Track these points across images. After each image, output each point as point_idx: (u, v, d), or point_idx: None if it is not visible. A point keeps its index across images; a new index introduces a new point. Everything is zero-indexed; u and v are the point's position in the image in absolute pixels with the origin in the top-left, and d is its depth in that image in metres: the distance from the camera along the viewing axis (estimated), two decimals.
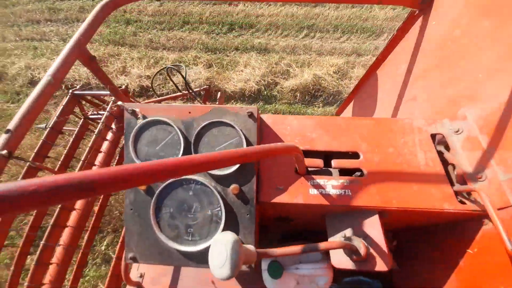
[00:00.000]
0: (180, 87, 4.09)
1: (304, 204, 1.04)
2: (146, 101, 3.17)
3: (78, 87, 2.14)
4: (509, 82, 1.00)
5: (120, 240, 1.89)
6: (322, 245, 0.92)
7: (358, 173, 1.11)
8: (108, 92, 1.88)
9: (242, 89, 4.52)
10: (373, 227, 1.00)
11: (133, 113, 1.11)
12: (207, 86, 3.22)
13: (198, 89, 3.10)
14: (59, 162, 1.74)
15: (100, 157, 1.70)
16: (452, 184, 1.02)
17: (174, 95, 2.97)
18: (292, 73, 4.72)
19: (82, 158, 1.66)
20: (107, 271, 2.03)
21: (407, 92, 1.76)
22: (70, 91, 2.08)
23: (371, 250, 0.96)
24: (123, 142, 1.13)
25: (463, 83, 1.27)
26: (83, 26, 1.29)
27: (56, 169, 1.76)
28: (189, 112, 1.11)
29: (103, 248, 3.10)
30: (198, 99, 2.46)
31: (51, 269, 1.45)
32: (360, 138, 1.14)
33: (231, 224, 1.04)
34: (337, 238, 1.04)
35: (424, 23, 1.60)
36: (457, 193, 1.00)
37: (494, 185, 0.96)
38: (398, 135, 1.13)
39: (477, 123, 1.09)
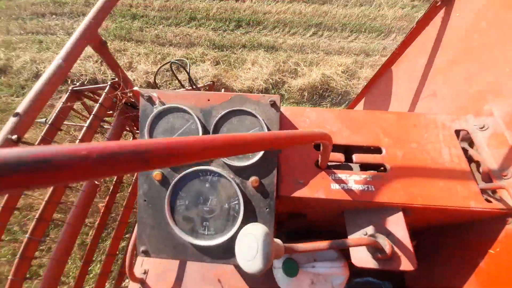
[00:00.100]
0: (185, 83, 4.03)
1: (325, 199, 1.00)
2: None
3: (78, 84, 2.11)
4: None
5: (112, 236, 1.82)
6: (350, 241, 0.87)
7: (380, 169, 1.07)
8: (106, 85, 1.83)
9: (250, 88, 4.46)
10: (397, 224, 0.96)
11: (150, 99, 1.05)
12: (211, 82, 3.16)
13: (202, 85, 3.05)
14: None
15: None
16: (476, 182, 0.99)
17: (178, 90, 2.92)
18: (300, 72, 4.65)
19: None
20: (112, 269, 1.97)
21: (425, 87, 1.70)
22: (70, 87, 2.04)
23: (396, 249, 0.92)
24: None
25: (489, 78, 1.22)
26: (94, 9, 1.23)
27: None
28: (208, 100, 1.05)
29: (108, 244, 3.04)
30: None
31: (50, 264, 1.40)
32: (382, 133, 1.10)
33: (249, 218, 0.99)
34: (357, 236, 1.00)
35: (447, 15, 1.54)
36: (482, 191, 0.97)
37: None
38: (422, 130, 1.09)
39: (504, 120, 1.06)
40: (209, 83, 3.09)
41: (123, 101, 2.17)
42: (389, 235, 0.94)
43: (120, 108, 1.99)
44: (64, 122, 1.82)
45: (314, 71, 4.61)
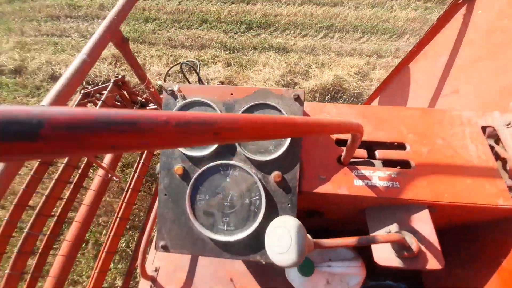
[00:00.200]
0: (196, 84, 4.05)
1: (348, 195, 0.98)
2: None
3: (90, 87, 2.13)
4: None
5: (112, 233, 1.81)
6: (380, 237, 0.84)
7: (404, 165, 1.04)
8: (109, 84, 1.85)
9: None
10: (423, 222, 0.93)
11: (172, 93, 1.04)
12: (220, 83, 3.16)
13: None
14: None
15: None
16: None
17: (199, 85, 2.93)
18: (312, 74, 4.62)
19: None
20: (126, 268, 1.96)
21: (447, 84, 1.68)
22: (82, 91, 2.07)
23: (422, 247, 0.90)
24: None
25: None
26: (117, 5, 1.25)
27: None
28: (231, 94, 1.04)
29: (123, 245, 3.05)
30: None
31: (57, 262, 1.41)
32: (405, 129, 1.08)
33: (270, 214, 0.97)
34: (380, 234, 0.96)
35: (468, 13, 1.51)
36: (509, 189, 0.95)
37: None
38: (447, 126, 1.07)
39: None
40: (218, 84, 3.09)
41: (138, 99, 2.19)
42: (414, 233, 0.92)
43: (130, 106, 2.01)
44: None
45: (326, 72, 4.58)
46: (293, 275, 1.18)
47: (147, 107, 2.59)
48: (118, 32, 1.26)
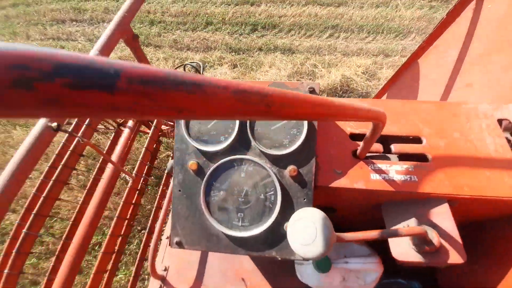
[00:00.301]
0: None
1: (365, 189, 0.96)
2: None
3: None
4: None
5: (109, 233, 1.79)
6: (403, 230, 0.81)
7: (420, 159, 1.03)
8: None
9: None
10: (443, 216, 0.91)
11: None
12: None
13: None
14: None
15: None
16: None
17: None
18: (318, 74, 4.59)
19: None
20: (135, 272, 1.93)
21: (459, 78, 1.66)
22: None
23: (443, 241, 0.87)
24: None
25: None
26: (127, 3, 1.23)
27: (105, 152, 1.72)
28: None
29: (133, 247, 3.03)
30: None
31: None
32: (420, 122, 1.06)
33: (286, 209, 0.95)
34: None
35: (479, 6, 1.51)
36: None
37: None
38: (463, 119, 1.06)
39: None
40: None
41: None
42: (434, 227, 0.89)
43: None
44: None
45: (333, 72, 4.55)
46: (308, 272, 1.15)
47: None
48: (129, 29, 1.25)
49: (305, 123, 0.97)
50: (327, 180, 0.99)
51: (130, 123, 2.40)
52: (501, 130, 1.04)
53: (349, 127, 1.09)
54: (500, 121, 1.06)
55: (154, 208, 2.42)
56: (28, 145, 1.08)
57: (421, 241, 0.88)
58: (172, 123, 2.93)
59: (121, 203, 1.88)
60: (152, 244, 1.28)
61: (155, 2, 5.81)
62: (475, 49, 1.55)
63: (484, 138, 1.02)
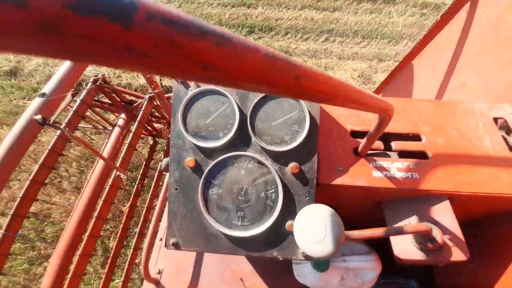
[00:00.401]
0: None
1: (367, 187, 0.94)
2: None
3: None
4: None
5: (88, 234, 1.74)
6: (408, 227, 0.80)
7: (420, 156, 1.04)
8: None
9: None
10: (444, 213, 0.91)
11: (184, 82, 0.98)
12: None
13: None
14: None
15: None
16: None
17: None
18: None
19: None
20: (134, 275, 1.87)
21: (453, 79, 1.69)
22: (97, 82, 2.02)
23: (446, 239, 0.87)
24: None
25: None
26: None
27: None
28: None
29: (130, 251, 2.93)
30: None
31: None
32: (420, 120, 1.07)
33: (288, 208, 0.92)
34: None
35: (473, 9, 1.54)
36: None
37: None
38: (461, 118, 1.08)
39: None
40: None
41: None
42: (436, 224, 0.89)
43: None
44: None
45: None
46: (306, 271, 1.12)
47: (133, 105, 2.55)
48: None
49: (307, 118, 0.93)
50: (328, 177, 0.97)
51: (121, 121, 2.34)
52: (497, 128, 1.06)
53: (350, 124, 1.07)
54: (495, 120, 1.08)
55: (145, 208, 2.34)
56: (11, 140, 1.00)
57: (424, 239, 0.87)
58: (165, 121, 2.87)
59: (101, 202, 1.83)
60: (145, 246, 1.22)
61: None
62: (470, 50, 1.57)
63: (481, 136, 1.03)
